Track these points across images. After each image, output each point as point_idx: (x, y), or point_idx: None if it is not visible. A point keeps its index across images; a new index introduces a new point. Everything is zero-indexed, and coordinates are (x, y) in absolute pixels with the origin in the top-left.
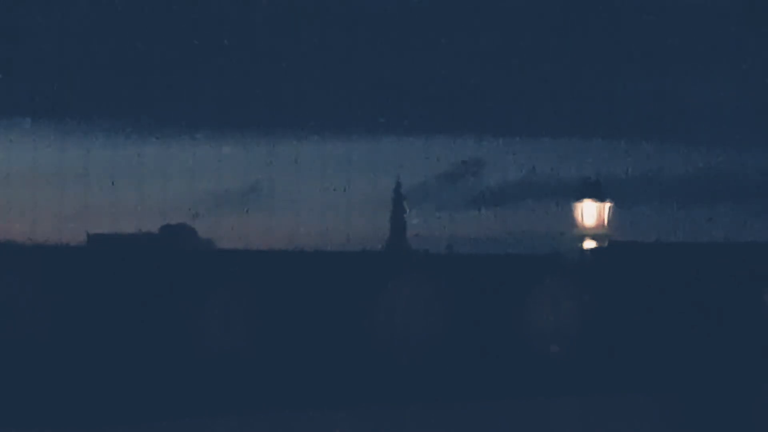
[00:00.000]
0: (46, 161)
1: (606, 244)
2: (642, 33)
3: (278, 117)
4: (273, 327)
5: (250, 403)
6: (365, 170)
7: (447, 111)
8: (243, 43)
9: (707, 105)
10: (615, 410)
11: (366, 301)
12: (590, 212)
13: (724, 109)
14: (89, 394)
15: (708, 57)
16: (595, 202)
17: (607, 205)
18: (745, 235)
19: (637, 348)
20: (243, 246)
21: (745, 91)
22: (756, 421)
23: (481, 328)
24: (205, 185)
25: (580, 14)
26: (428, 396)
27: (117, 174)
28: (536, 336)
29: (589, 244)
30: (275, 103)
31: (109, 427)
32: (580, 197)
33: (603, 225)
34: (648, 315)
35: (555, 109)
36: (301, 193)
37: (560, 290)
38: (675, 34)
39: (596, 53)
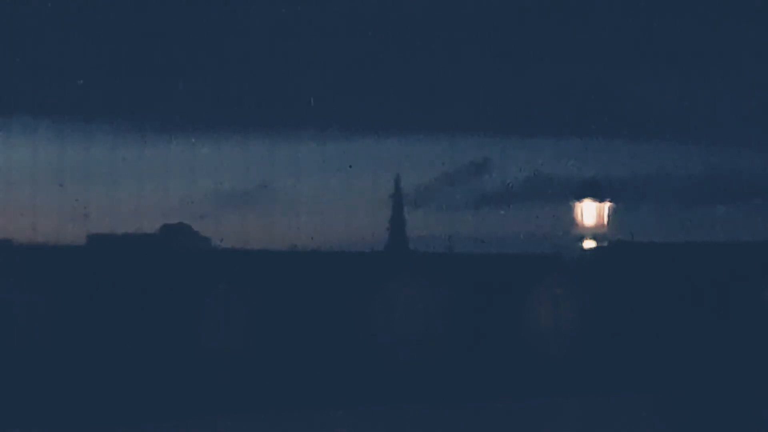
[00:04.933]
0: (46, 161)
1: (606, 243)
2: (643, 33)
3: (278, 117)
4: (273, 327)
5: (250, 403)
6: (365, 170)
7: (447, 111)
8: (243, 42)
9: (707, 105)
10: (615, 410)
11: (366, 302)
12: (590, 212)
13: (725, 109)
14: (90, 395)
15: (708, 57)
16: (595, 202)
17: (607, 205)
18: (746, 235)
19: (637, 348)
20: (243, 246)
21: (746, 91)
22: (756, 421)
23: (481, 328)
24: (205, 185)
25: (580, 14)
26: (428, 396)
27: (117, 174)
28: (537, 336)
29: (589, 244)
30: (275, 103)
31: (110, 428)
32: (580, 197)
33: (603, 225)
34: (648, 315)
35: (555, 109)
36: (301, 193)
37: (561, 290)
38: (675, 33)
39: (597, 53)
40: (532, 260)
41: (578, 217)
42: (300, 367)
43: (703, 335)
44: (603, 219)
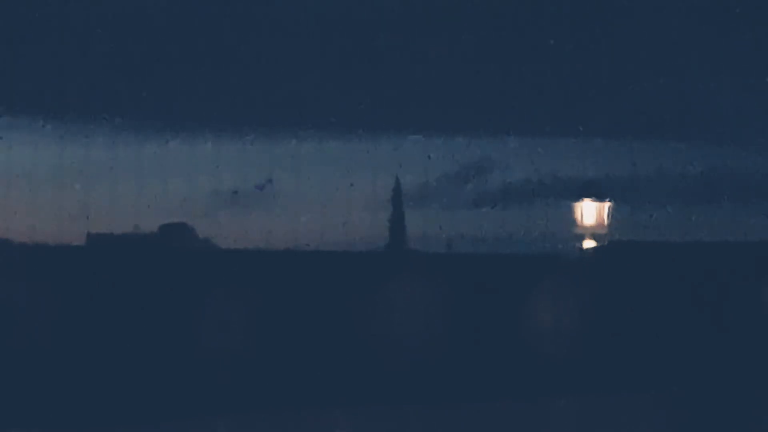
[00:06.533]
0: (46, 161)
1: (606, 243)
2: (642, 32)
3: (278, 117)
4: (273, 327)
5: (250, 403)
6: (365, 170)
7: (447, 111)
8: (243, 42)
9: (708, 105)
10: (615, 410)
11: (366, 302)
12: (590, 212)
13: (724, 109)
14: (90, 395)
15: (707, 57)
16: (595, 201)
17: (607, 204)
18: (745, 235)
19: (637, 348)
20: (243, 246)
21: (746, 91)
22: (756, 421)
23: (481, 328)
24: (205, 185)
25: (580, 13)
26: (429, 396)
27: (117, 174)
28: (537, 336)
29: (589, 243)
30: (275, 103)
31: (109, 428)
32: (580, 197)
33: (603, 225)
34: (648, 315)
35: (555, 109)
36: (301, 193)
37: (561, 290)
38: (676, 33)
39: (597, 53)
40: (532, 260)
41: (578, 217)
42: (300, 367)
43: (703, 335)
44: (603, 219)
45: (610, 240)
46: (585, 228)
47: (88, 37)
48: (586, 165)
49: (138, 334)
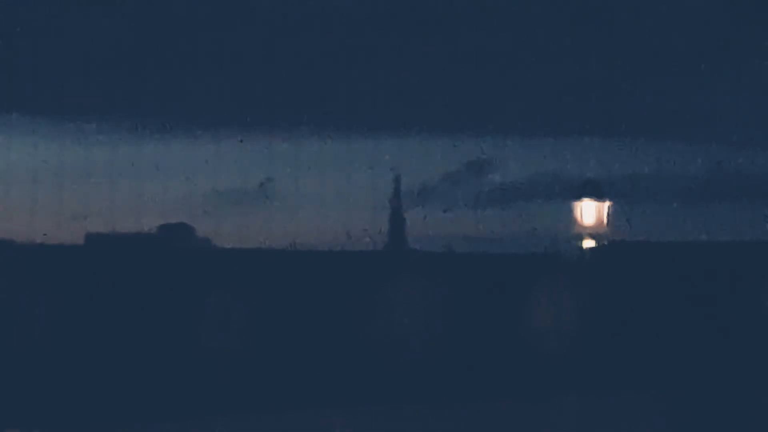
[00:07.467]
0: (46, 160)
1: (606, 243)
2: (642, 32)
3: (278, 117)
4: (272, 327)
5: (250, 403)
6: (365, 170)
7: (447, 111)
8: (243, 42)
9: (708, 105)
10: (615, 410)
11: (366, 302)
12: (590, 212)
13: (724, 109)
14: (90, 395)
15: (707, 57)
16: (595, 201)
17: (607, 204)
18: (745, 234)
19: (637, 348)
20: (242, 246)
21: (745, 91)
22: (756, 421)
23: (481, 328)
24: (205, 185)
25: (580, 13)
26: (429, 397)
27: (116, 174)
28: (537, 337)
29: (588, 243)
30: (275, 103)
31: (110, 428)
32: (580, 197)
33: (603, 225)
34: (648, 315)
35: (555, 109)
36: (301, 193)
37: (561, 290)
38: (675, 33)
39: (597, 53)
40: (532, 260)
41: (578, 217)
42: (300, 367)
43: (703, 336)
44: (603, 219)
45: (610, 240)
46: (585, 228)
47: (86, 37)
48: (586, 165)
49: (138, 334)
